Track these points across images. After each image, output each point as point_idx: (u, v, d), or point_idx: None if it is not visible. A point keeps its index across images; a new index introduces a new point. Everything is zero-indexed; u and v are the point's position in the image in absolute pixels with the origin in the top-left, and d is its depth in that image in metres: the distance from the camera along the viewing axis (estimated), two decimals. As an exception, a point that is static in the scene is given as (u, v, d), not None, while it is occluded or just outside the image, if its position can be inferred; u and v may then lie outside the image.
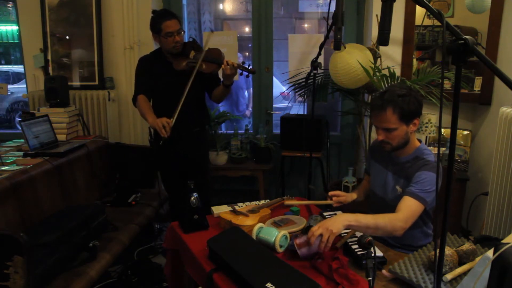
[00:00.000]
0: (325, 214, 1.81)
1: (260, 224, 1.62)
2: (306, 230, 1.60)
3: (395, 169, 1.75)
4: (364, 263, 1.18)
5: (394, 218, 1.49)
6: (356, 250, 1.48)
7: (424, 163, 1.63)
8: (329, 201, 1.87)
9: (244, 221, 1.71)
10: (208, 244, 1.50)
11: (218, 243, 1.49)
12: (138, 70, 2.52)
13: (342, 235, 1.60)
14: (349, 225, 1.43)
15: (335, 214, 1.81)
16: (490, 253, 1.06)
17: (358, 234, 1.60)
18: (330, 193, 1.88)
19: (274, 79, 3.62)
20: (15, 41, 6.31)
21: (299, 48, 3.32)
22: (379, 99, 1.63)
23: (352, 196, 1.92)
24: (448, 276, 1.27)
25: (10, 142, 2.84)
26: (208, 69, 2.40)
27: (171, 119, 2.25)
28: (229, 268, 1.35)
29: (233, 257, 1.38)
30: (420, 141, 1.75)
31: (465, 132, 2.95)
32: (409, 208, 1.52)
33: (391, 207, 1.71)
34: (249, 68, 2.37)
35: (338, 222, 1.41)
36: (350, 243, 1.53)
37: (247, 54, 4.29)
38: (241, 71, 2.38)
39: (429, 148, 2.90)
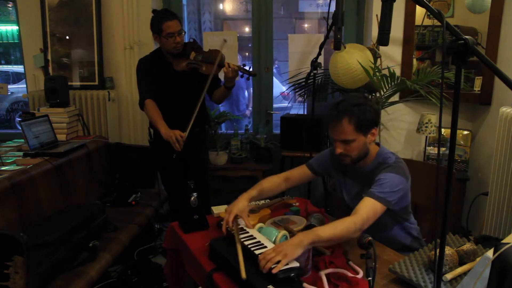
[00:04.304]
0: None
1: (260, 224, 1.62)
2: (306, 229, 1.60)
3: (362, 180, 1.71)
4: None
5: (351, 221, 1.42)
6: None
7: (384, 166, 1.60)
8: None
9: (244, 221, 1.70)
10: (211, 243, 1.49)
11: (219, 242, 1.49)
12: (140, 73, 2.51)
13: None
14: (311, 244, 1.33)
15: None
16: (490, 253, 1.06)
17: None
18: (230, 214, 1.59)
19: (274, 79, 3.62)
20: (15, 41, 6.30)
21: (299, 48, 3.32)
22: (334, 109, 1.57)
23: (243, 202, 1.64)
24: (448, 276, 1.27)
25: (10, 142, 2.84)
26: (208, 71, 2.40)
27: (185, 133, 2.29)
28: (231, 268, 1.35)
29: (235, 257, 1.38)
30: (378, 144, 1.70)
31: (465, 132, 2.95)
32: (367, 208, 1.47)
33: None
34: (250, 70, 2.38)
35: (296, 245, 1.30)
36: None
37: (247, 54, 4.29)
38: (241, 73, 2.38)
39: (429, 148, 2.93)
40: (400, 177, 1.56)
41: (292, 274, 1.23)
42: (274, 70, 3.78)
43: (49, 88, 2.87)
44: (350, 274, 1.33)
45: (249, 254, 1.37)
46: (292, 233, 1.58)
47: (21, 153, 2.51)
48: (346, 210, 1.81)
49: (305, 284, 1.24)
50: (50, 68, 3.33)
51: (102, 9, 3.25)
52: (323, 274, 1.32)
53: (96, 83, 3.31)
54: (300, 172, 1.87)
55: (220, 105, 3.08)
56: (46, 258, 1.82)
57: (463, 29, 2.83)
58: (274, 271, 1.23)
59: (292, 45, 3.32)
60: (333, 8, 1.74)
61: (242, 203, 1.64)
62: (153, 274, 2.62)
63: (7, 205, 1.99)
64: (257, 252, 1.35)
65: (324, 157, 1.85)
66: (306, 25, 4.51)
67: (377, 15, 2.93)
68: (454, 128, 0.95)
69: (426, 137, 2.88)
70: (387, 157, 1.64)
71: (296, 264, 1.28)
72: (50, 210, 2.27)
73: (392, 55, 2.98)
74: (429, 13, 1.80)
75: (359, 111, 1.54)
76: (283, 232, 1.52)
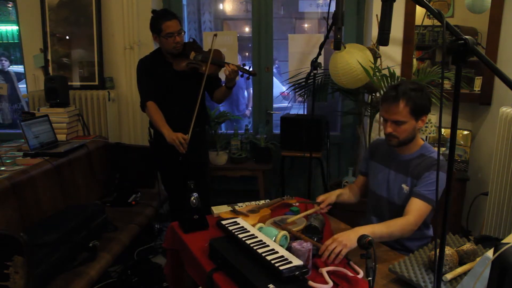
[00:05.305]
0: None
1: (260, 224, 1.62)
2: (306, 229, 1.60)
3: (399, 167, 1.74)
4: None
5: (405, 223, 1.55)
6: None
7: (432, 162, 1.64)
8: (316, 208, 1.82)
9: (244, 221, 1.70)
10: (211, 243, 1.49)
11: (219, 242, 1.50)
12: (140, 73, 2.51)
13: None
14: None
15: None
16: (490, 253, 1.06)
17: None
18: (318, 198, 1.86)
19: (274, 79, 3.62)
20: (15, 41, 6.29)
21: (299, 48, 3.32)
22: (393, 90, 1.63)
23: (335, 192, 1.89)
24: (448, 276, 1.27)
25: (10, 142, 2.84)
26: (208, 71, 2.40)
27: (187, 135, 2.31)
28: (232, 267, 1.35)
29: (236, 257, 1.38)
30: (423, 139, 1.76)
31: (465, 132, 2.95)
32: (418, 210, 1.57)
33: (397, 207, 1.71)
34: (250, 70, 2.38)
35: (354, 236, 1.39)
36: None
37: (247, 54, 4.29)
38: (241, 73, 2.38)
39: (429, 148, 2.93)
40: (444, 175, 1.61)
41: (297, 273, 1.24)
42: (274, 70, 3.78)
43: (49, 88, 2.88)
44: (350, 274, 1.33)
45: (251, 254, 1.37)
46: (292, 233, 1.58)
47: (21, 153, 2.51)
48: (371, 196, 1.86)
49: (310, 282, 1.24)
50: (50, 68, 3.33)
51: (102, 9, 3.25)
52: (324, 270, 1.32)
53: (96, 83, 3.31)
54: (358, 182, 1.99)
55: (220, 105, 3.08)
56: (46, 258, 1.82)
57: (463, 29, 2.82)
58: (336, 261, 1.37)
59: (292, 45, 3.32)
60: (333, 8, 1.74)
61: (331, 192, 1.88)
62: (153, 274, 2.62)
63: (7, 205, 1.99)
64: (259, 251, 1.35)
65: (364, 156, 1.99)
66: (306, 25, 4.51)
67: (377, 15, 2.92)
68: (454, 128, 0.95)
69: (426, 137, 2.87)
70: (431, 151, 1.70)
71: (300, 262, 1.28)
72: (50, 210, 2.27)
73: (392, 55, 2.98)
74: (429, 13, 1.80)
75: (416, 95, 1.60)
76: (283, 232, 1.52)
